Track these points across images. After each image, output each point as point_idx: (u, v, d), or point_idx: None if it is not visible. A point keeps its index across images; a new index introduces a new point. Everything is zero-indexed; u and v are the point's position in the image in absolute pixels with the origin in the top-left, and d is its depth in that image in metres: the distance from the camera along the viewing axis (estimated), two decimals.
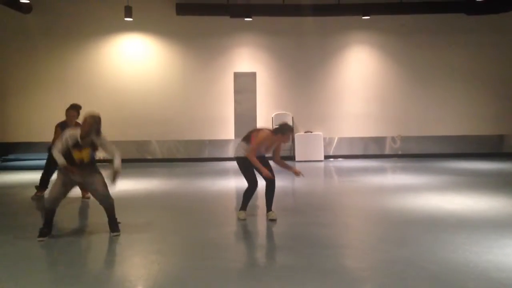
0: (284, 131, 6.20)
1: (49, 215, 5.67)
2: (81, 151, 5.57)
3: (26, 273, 4.42)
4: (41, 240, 5.51)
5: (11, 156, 12.60)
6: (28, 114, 13.31)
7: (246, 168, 6.41)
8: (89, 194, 7.79)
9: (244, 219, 6.42)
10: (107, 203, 5.74)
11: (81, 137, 5.53)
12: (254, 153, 6.23)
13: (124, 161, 14.19)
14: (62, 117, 7.90)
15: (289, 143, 6.40)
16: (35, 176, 10.75)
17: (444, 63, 13.98)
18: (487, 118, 14.02)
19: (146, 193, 8.75)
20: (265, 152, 6.42)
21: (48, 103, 13.25)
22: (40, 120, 13.25)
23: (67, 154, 5.54)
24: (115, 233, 5.69)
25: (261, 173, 6.25)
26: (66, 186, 5.68)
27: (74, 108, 7.75)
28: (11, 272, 4.46)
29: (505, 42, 13.94)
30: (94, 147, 5.64)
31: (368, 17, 13.14)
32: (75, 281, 4.23)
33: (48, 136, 13.15)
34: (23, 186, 9.65)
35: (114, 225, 5.77)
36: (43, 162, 12.00)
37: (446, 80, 13.99)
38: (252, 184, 6.42)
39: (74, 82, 13.15)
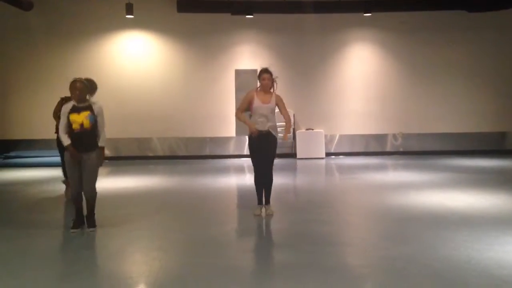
0: (258, 77, 6.25)
1: (76, 202, 5.75)
2: (80, 114, 5.54)
3: (26, 269, 4.43)
4: (73, 232, 5.64)
5: (12, 154, 12.61)
6: (30, 112, 13.31)
7: (249, 148, 6.40)
8: None
9: (259, 215, 6.38)
10: (91, 194, 5.74)
11: (77, 102, 5.60)
12: (239, 111, 6.36)
13: (125, 158, 14.21)
14: None
15: (272, 84, 6.25)
16: (37, 174, 10.80)
17: (445, 60, 13.94)
18: (488, 115, 13.99)
19: (147, 190, 8.75)
20: (266, 113, 6.22)
21: (49, 101, 13.13)
22: (41, 118, 13.23)
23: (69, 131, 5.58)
24: (91, 229, 5.72)
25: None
26: (76, 167, 5.67)
27: None
28: (12, 268, 4.47)
29: (506, 40, 13.89)
30: (92, 111, 5.62)
31: (370, 14, 13.11)
32: (76, 278, 4.23)
33: (49, 134, 13.22)
34: (24, 183, 9.66)
35: (91, 220, 5.79)
36: (44, 159, 12.10)
37: (447, 77, 13.95)
38: (254, 169, 6.39)
39: None
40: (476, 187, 8.51)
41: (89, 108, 5.62)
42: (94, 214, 5.83)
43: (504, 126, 14.05)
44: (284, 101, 6.49)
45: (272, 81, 6.29)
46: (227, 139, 13.76)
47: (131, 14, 12.13)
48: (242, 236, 5.84)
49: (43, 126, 13.22)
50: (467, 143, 13.95)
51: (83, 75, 13.30)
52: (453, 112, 13.99)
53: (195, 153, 13.67)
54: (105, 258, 5.00)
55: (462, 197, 7.62)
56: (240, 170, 11.71)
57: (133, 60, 13.55)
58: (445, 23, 13.80)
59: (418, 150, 13.90)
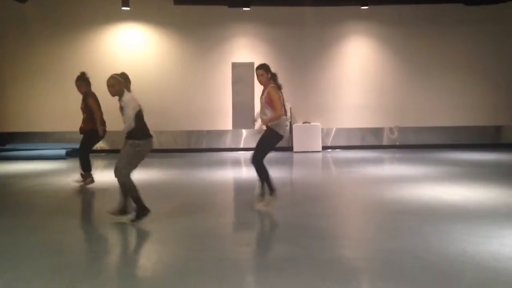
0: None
1: (133, 193, 5.68)
2: (120, 111, 5.58)
3: (24, 262, 4.42)
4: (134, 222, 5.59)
5: (8, 146, 12.57)
6: (26, 104, 13.26)
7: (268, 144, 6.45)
8: (89, 181, 8.02)
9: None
10: (116, 176, 5.71)
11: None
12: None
13: None
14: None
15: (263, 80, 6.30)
16: (33, 166, 10.77)
17: (441, 53, 13.95)
18: (484, 109, 14.03)
19: (143, 183, 8.69)
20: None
21: (45, 93, 13.21)
22: (37, 110, 13.22)
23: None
24: (133, 220, 5.62)
25: None
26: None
27: (78, 79, 8.18)
28: (10, 261, 4.47)
29: (503, 33, 13.91)
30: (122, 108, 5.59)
31: (367, 7, 13.09)
32: (71, 270, 4.23)
33: (46, 126, 13.24)
34: (20, 176, 9.63)
35: (137, 211, 5.66)
36: (41, 152, 12.06)
37: (443, 71, 13.96)
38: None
39: (72, 71, 12.98)
40: (472, 181, 8.53)
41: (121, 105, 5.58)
42: (136, 203, 5.67)
43: (500, 120, 14.09)
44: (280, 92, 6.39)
45: (266, 76, 6.27)
46: (224, 132, 13.76)
47: (127, 6, 12.07)
48: (239, 229, 5.85)
49: (39, 119, 13.21)
50: (464, 137, 13.99)
51: (79, 67, 13.28)
52: (450, 105, 14.01)
53: (192, 146, 13.66)
54: (101, 250, 4.99)
55: (458, 190, 7.65)
56: (237, 163, 11.72)
57: (129, 53, 13.49)
58: (442, 16, 13.79)
59: (414, 144, 13.93)
